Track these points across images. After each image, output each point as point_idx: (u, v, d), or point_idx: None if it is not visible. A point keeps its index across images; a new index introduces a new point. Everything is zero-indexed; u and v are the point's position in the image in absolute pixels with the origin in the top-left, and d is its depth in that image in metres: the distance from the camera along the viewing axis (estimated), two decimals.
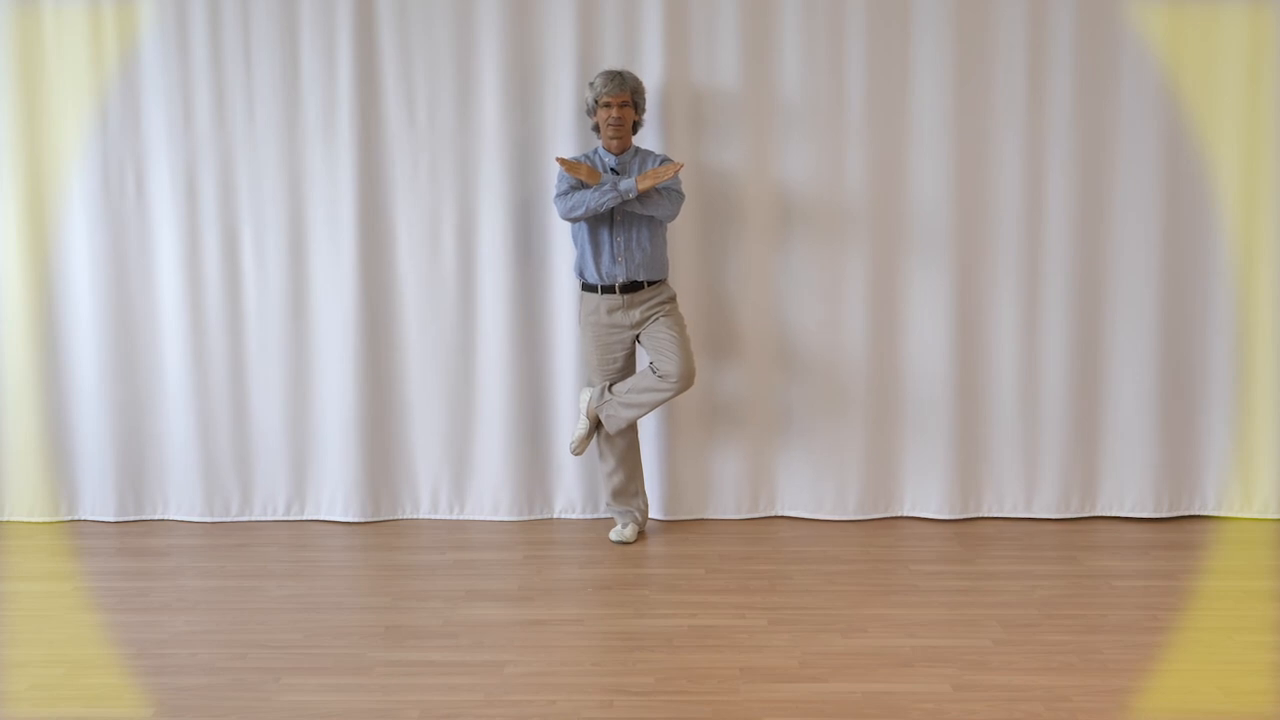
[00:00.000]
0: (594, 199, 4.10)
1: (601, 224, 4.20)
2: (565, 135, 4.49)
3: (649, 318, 4.25)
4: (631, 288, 4.23)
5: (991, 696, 3.04)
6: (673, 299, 4.32)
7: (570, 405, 4.60)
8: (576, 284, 4.41)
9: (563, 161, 4.11)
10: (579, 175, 4.11)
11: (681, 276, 4.50)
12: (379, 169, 4.56)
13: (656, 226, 4.24)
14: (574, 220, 4.19)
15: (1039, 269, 4.50)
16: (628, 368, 4.34)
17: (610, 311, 4.25)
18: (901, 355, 4.57)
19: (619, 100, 4.16)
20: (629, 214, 4.18)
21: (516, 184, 4.53)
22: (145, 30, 4.50)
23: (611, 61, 4.44)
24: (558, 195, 4.20)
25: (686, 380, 4.18)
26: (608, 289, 4.24)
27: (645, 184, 4.06)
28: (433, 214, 4.57)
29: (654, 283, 4.27)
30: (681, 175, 4.33)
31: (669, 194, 4.18)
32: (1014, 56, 4.39)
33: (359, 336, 4.59)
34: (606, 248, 4.21)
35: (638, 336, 4.29)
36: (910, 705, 2.99)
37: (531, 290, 4.60)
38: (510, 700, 3.06)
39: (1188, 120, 4.44)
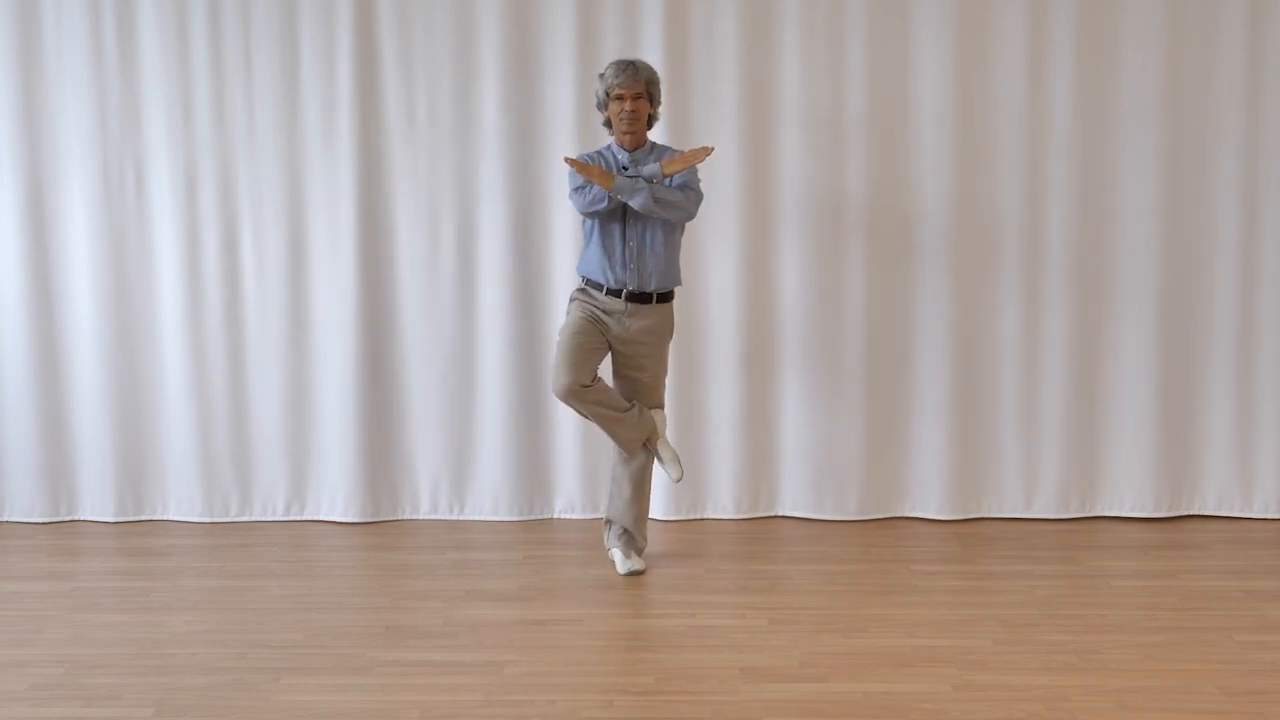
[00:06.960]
0: (617, 189, 3.80)
1: (613, 225, 3.90)
2: (566, 134, 4.48)
3: (637, 345, 3.97)
4: (639, 298, 3.95)
5: (991, 696, 3.04)
6: (669, 332, 4.05)
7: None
8: (577, 280, 4.10)
9: (572, 162, 3.80)
10: (590, 177, 3.78)
11: (681, 275, 4.48)
12: (379, 169, 4.56)
13: (672, 230, 3.94)
14: (594, 214, 3.87)
15: (1039, 268, 4.50)
16: (592, 362, 3.91)
17: (608, 308, 3.94)
18: (902, 355, 4.57)
19: (633, 92, 3.83)
20: (642, 215, 3.87)
21: (516, 184, 4.53)
22: (145, 30, 4.51)
23: (611, 59, 4.41)
24: (573, 190, 3.88)
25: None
26: (614, 292, 3.94)
27: (674, 168, 3.75)
28: (433, 214, 4.57)
29: (662, 299, 3.98)
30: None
31: (685, 193, 3.84)
32: (1014, 56, 4.39)
33: (359, 337, 4.59)
34: (618, 252, 3.90)
35: (611, 349, 3.99)
36: (910, 705, 2.99)
37: (531, 290, 4.60)
38: (510, 700, 3.05)
39: (1188, 119, 4.44)
